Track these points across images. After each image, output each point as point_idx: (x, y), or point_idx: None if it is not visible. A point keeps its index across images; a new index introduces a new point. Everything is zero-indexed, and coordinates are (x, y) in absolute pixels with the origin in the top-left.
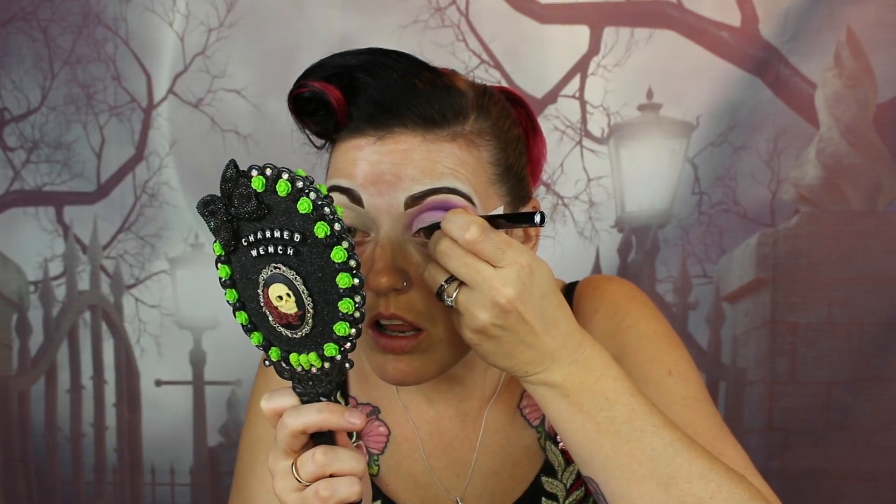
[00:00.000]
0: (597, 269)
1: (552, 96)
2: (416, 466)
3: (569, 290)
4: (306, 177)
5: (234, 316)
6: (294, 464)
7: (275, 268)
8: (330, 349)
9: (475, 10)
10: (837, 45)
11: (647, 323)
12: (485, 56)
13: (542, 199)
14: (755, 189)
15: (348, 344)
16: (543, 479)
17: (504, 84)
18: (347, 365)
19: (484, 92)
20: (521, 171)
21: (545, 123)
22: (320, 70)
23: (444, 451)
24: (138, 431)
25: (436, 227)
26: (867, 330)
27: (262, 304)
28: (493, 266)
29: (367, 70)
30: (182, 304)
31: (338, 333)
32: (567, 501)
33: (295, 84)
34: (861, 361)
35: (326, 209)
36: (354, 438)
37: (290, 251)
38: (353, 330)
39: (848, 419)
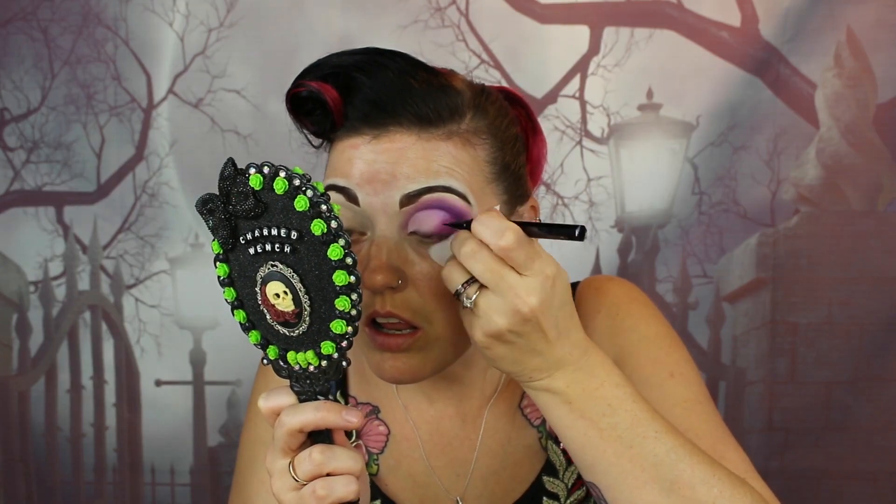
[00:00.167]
0: (597, 269)
1: (552, 96)
2: (416, 466)
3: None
4: (303, 175)
5: (233, 314)
6: (291, 463)
7: (272, 265)
8: (327, 347)
9: (475, 10)
10: (837, 45)
11: (648, 324)
12: (485, 56)
13: (542, 199)
14: (755, 189)
15: (345, 342)
16: (545, 478)
17: (504, 84)
18: (345, 363)
19: (481, 91)
20: (519, 171)
21: (545, 123)
22: (317, 70)
23: (444, 450)
24: (138, 431)
25: (430, 227)
26: (867, 330)
27: (259, 302)
28: (519, 273)
29: (363, 69)
30: (182, 304)
31: (335, 331)
32: (568, 501)
33: (292, 84)
34: (861, 361)
35: (323, 207)
36: (354, 438)
37: (287, 249)
38: (350, 328)
39: (848, 419)
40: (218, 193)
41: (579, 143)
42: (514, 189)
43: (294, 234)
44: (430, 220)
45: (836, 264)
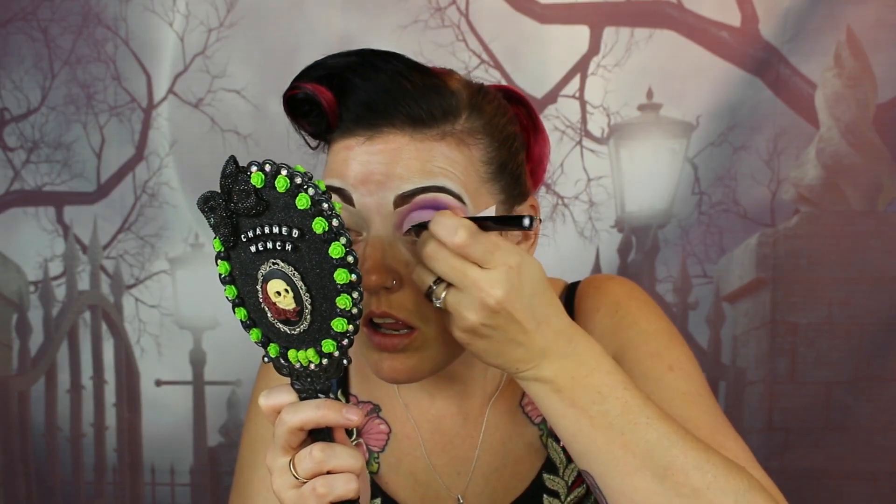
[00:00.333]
0: (597, 269)
1: (552, 96)
2: (417, 464)
3: (570, 290)
4: (305, 173)
5: (234, 312)
6: (292, 460)
7: (273, 263)
8: (328, 345)
9: (475, 10)
10: (837, 45)
11: (647, 320)
12: (485, 56)
13: (542, 199)
14: (755, 189)
15: (346, 340)
16: (545, 476)
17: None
18: (346, 361)
19: (478, 90)
20: (517, 170)
21: (545, 123)
22: (313, 71)
23: (445, 448)
24: (138, 431)
25: (424, 226)
26: (867, 330)
27: (260, 300)
28: (481, 267)
29: (357, 71)
30: (182, 304)
31: (335, 329)
32: (569, 498)
33: (289, 86)
34: (861, 361)
35: (325, 205)
36: (355, 436)
37: (288, 247)
38: (351, 326)
39: (848, 419)
40: (219, 191)
41: (579, 143)
42: (511, 188)
43: (295, 232)
44: (425, 221)
45: (836, 264)
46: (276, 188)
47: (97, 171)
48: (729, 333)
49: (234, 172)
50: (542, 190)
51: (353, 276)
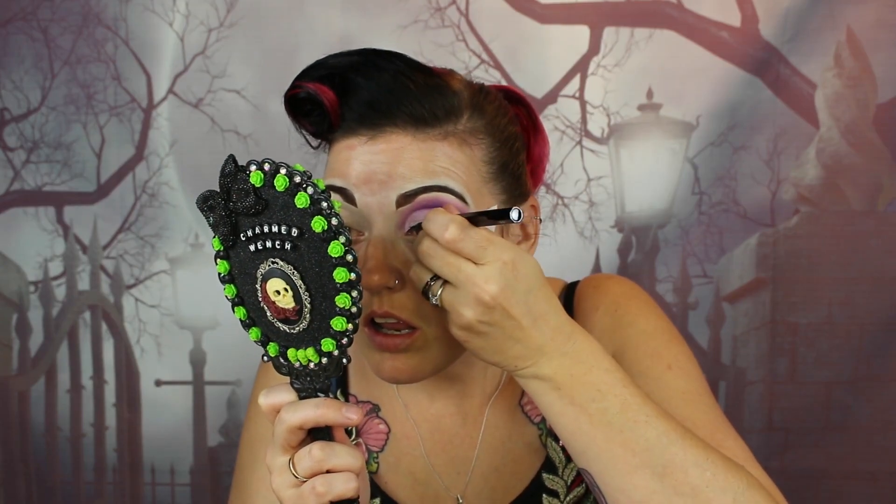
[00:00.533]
0: (597, 269)
1: (552, 96)
2: (416, 464)
3: (569, 290)
4: (304, 172)
5: (233, 311)
6: (291, 459)
7: (272, 262)
8: (327, 344)
9: (475, 10)
10: (837, 45)
11: (646, 319)
12: (485, 56)
13: (542, 199)
14: (755, 189)
15: (345, 339)
16: (544, 475)
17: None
18: (345, 360)
19: (479, 90)
20: (518, 170)
21: (545, 123)
22: (315, 71)
23: (445, 448)
24: (138, 431)
25: (421, 226)
26: (867, 330)
27: (260, 299)
28: (476, 263)
29: (359, 71)
30: (182, 304)
31: (335, 328)
32: (568, 498)
33: (290, 85)
34: (861, 361)
35: (324, 204)
36: (354, 436)
37: (287, 246)
38: (351, 325)
39: (848, 419)
40: (219, 190)
41: (579, 143)
42: (512, 188)
43: (295, 231)
44: None
45: (836, 264)
46: (275, 187)
47: (97, 171)
48: (729, 333)
49: (233, 171)
50: (542, 190)
51: (353, 275)
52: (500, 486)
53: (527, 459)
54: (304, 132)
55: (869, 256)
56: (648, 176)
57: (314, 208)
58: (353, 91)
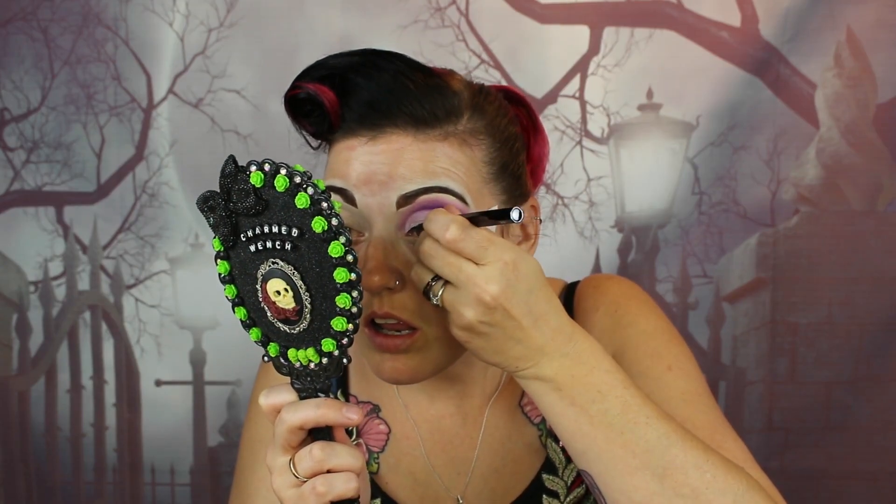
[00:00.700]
0: (597, 269)
1: (552, 96)
2: (417, 464)
3: (569, 290)
4: (304, 172)
5: (234, 311)
6: (292, 459)
7: (273, 263)
8: (327, 344)
9: (475, 10)
10: (837, 45)
11: (646, 319)
12: (485, 56)
13: (542, 199)
14: (755, 189)
15: (346, 339)
16: (544, 476)
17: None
18: (345, 360)
19: (480, 91)
20: (518, 170)
21: (545, 123)
22: (315, 71)
23: (445, 449)
24: (138, 431)
25: (421, 227)
26: (867, 330)
27: (260, 300)
28: (477, 264)
29: (359, 71)
30: (182, 304)
31: (335, 328)
32: (568, 499)
33: (290, 86)
34: (861, 361)
35: (324, 204)
36: (354, 436)
37: (287, 246)
38: (351, 325)
39: (848, 419)
40: (219, 191)
41: (579, 143)
42: (513, 189)
43: (295, 232)
44: None
45: (836, 264)
46: (275, 187)
47: (97, 171)
48: (729, 333)
49: (233, 172)
50: (542, 190)
51: (353, 275)
52: (500, 486)
53: (527, 460)
54: (304, 133)
55: (869, 256)
56: (648, 176)
57: (314, 209)
58: (354, 91)
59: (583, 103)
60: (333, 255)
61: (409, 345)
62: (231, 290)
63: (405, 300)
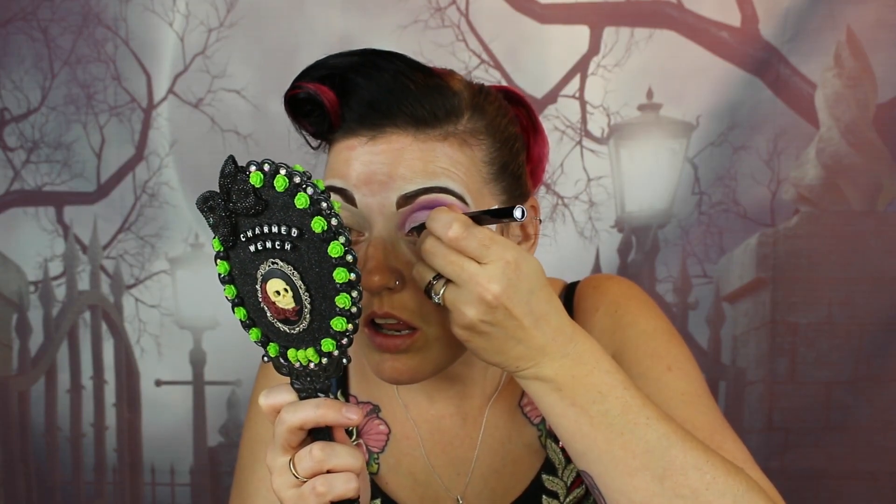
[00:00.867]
0: (597, 269)
1: (552, 96)
2: (417, 465)
3: (569, 290)
4: (304, 172)
5: (233, 312)
6: (292, 460)
7: (272, 263)
8: (327, 344)
9: (475, 10)
10: (837, 45)
11: (646, 320)
12: (485, 56)
13: (542, 199)
14: (755, 189)
15: (345, 339)
16: (544, 476)
17: (504, 84)
18: (345, 360)
19: (480, 91)
20: (518, 171)
21: (545, 123)
22: (315, 71)
23: (445, 449)
24: (138, 431)
25: (423, 226)
26: (867, 330)
27: (260, 300)
28: (479, 262)
29: (359, 71)
30: (182, 304)
31: (335, 328)
32: (568, 499)
33: (290, 85)
34: (861, 361)
35: (323, 204)
36: (354, 437)
37: (287, 246)
38: (351, 325)
39: (848, 419)
40: (218, 191)
41: (579, 143)
42: (513, 189)
43: (294, 232)
44: None
45: (836, 264)
46: (274, 188)
47: (97, 171)
48: (729, 333)
49: (232, 172)
50: (542, 190)
51: (353, 275)
52: (500, 486)
53: (526, 460)
54: (304, 133)
55: (869, 256)
56: (648, 176)
57: (314, 209)
58: (354, 91)
59: (583, 103)
60: (333, 255)
61: (409, 345)
62: (231, 291)
63: (405, 300)
